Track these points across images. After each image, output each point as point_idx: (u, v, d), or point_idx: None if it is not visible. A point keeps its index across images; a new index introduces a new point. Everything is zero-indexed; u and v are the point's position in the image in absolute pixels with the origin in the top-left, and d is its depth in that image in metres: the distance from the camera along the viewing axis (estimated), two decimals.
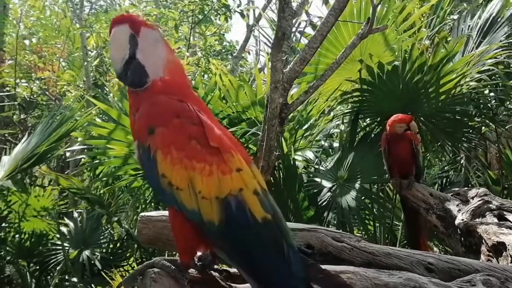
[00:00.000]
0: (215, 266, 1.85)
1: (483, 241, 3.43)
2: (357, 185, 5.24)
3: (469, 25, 6.02)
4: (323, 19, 4.85)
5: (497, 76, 5.80)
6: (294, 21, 5.39)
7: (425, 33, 6.05)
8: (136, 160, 1.81)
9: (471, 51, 5.64)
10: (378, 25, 5.10)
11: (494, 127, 6.16)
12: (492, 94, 6.17)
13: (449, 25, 6.74)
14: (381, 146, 4.49)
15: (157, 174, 1.69)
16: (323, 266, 2.02)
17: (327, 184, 5.36)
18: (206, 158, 1.69)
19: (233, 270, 1.84)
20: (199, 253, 1.85)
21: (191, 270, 1.76)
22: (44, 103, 9.36)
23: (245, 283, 1.76)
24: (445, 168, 6.81)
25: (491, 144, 6.45)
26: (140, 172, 5.60)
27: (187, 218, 1.67)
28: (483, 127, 6.17)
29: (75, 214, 6.78)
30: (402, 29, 5.87)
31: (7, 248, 6.69)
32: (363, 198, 5.31)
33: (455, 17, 6.75)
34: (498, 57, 5.41)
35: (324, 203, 5.22)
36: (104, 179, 6.43)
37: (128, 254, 6.84)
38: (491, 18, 5.77)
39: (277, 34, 4.51)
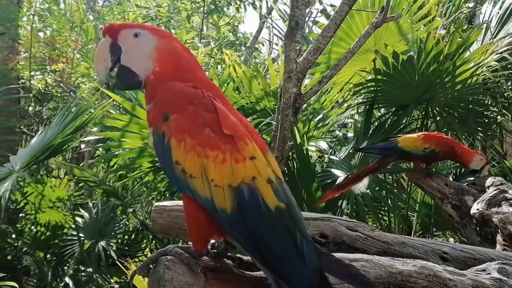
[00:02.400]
0: (228, 254, 1.85)
1: (499, 230, 3.40)
2: (372, 176, 5.20)
3: (490, 14, 5.93)
4: (336, 8, 4.83)
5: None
6: (307, 10, 5.35)
7: (440, 22, 5.99)
8: (151, 147, 1.82)
9: (489, 40, 5.57)
10: (392, 14, 5.05)
11: (510, 116, 6.09)
12: (509, 83, 6.10)
13: (465, 13, 6.66)
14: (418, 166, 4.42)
15: (171, 161, 1.69)
16: (337, 255, 2.01)
17: (340, 174, 5.34)
18: (219, 145, 1.68)
19: (246, 257, 1.84)
20: (212, 241, 1.85)
21: (205, 258, 1.76)
22: (59, 95, 9.43)
23: (258, 270, 1.76)
24: None
25: (507, 134, 6.38)
26: (154, 165, 5.63)
27: (200, 205, 1.67)
28: (499, 117, 6.11)
29: (90, 205, 6.83)
30: (416, 18, 5.81)
31: (24, 240, 6.77)
32: (377, 188, 5.29)
33: (471, 5, 6.67)
34: None
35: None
36: (121, 172, 6.48)
37: (143, 245, 6.88)
38: (511, 7, 5.68)
39: (291, 24, 4.50)
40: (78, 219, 6.75)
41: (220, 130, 1.70)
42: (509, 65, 5.73)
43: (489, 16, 5.90)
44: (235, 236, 1.68)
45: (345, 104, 6.12)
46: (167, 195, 5.93)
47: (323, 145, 6.03)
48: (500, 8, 5.80)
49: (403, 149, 4.27)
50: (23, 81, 9.05)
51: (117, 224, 6.85)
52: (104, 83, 1.92)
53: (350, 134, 6.24)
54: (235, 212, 1.63)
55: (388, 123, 5.60)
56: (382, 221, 5.69)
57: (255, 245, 1.64)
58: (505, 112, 6.00)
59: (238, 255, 1.88)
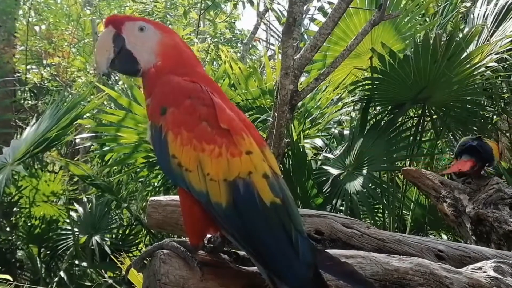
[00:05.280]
0: (225, 248, 1.85)
1: (494, 229, 3.42)
2: (366, 173, 5.21)
3: (484, 12, 5.92)
4: (334, 6, 4.82)
5: (509, 64, 5.73)
6: (305, 7, 5.34)
7: (438, 21, 6.00)
8: (149, 140, 1.82)
9: (486, 40, 5.56)
10: (389, 13, 5.04)
11: (506, 116, 6.11)
12: (504, 84, 6.10)
13: (462, 13, 6.66)
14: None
15: (167, 155, 1.69)
16: (333, 251, 2.01)
17: (336, 171, 5.34)
18: (215, 140, 1.68)
19: (243, 252, 1.83)
20: (208, 235, 1.85)
21: (201, 252, 1.76)
22: (55, 89, 9.40)
23: (254, 265, 1.75)
24: None
25: (503, 134, 6.39)
26: (148, 161, 5.62)
27: (196, 199, 1.66)
28: (494, 117, 6.13)
29: (85, 200, 6.82)
30: (414, 17, 5.81)
31: (18, 233, 6.76)
32: (372, 186, 5.29)
33: (468, 4, 6.67)
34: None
35: (333, 191, 5.21)
36: (115, 168, 6.47)
37: (137, 240, 6.88)
38: (506, 6, 5.67)
39: (288, 20, 4.49)
40: (72, 213, 6.73)
41: (216, 124, 1.70)
42: (506, 66, 5.73)
43: (484, 15, 5.88)
44: (230, 231, 1.67)
45: (341, 102, 6.12)
46: (162, 190, 5.93)
47: (319, 142, 6.03)
48: (495, 6, 5.79)
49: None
50: (19, 74, 9.02)
51: (111, 219, 6.84)
52: (104, 74, 1.91)
53: (346, 132, 6.25)
54: (230, 206, 1.63)
55: (384, 121, 5.59)
56: (376, 219, 5.70)
57: (249, 240, 1.64)
58: (501, 112, 6.00)
59: (234, 250, 1.88)
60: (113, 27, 1.84)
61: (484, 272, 2.13)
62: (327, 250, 1.87)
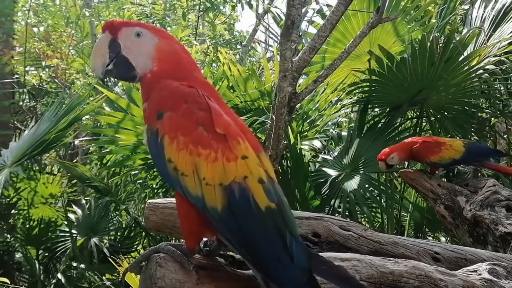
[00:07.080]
0: (220, 252, 1.85)
1: (491, 231, 3.42)
2: (364, 175, 5.22)
3: (482, 15, 5.92)
4: (332, 8, 4.83)
5: (507, 67, 5.74)
6: (303, 10, 5.35)
7: (435, 23, 6.01)
8: (145, 144, 1.83)
9: (483, 43, 5.57)
10: (387, 15, 5.05)
11: (504, 119, 6.11)
12: (502, 87, 6.11)
13: (460, 15, 6.68)
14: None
15: (163, 159, 1.70)
16: (329, 254, 2.01)
17: (334, 173, 5.35)
18: (211, 144, 1.68)
19: (238, 256, 1.84)
20: (205, 239, 1.85)
21: (197, 256, 1.76)
22: (53, 90, 9.39)
23: (250, 269, 1.76)
24: None
25: (500, 136, 6.40)
26: (146, 163, 5.62)
27: (192, 203, 1.67)
28: (492, 119, 6.13)
29: (83, 202, 6.82)
30: (412, 19, 5.83)
31: (16, 235, 6.76)
32: (370, 188, 5.29)
33: (466, 7, 6.68)
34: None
35: (330, 193, 5.21)
36: (113, 169, 6.47)
37: (136, 242, 6.88)
38: (504, 9, 5.68)
39: (286, 22, 4.49)
40: (70, 215, 6.73)
41: (213, 129, 1.71)
42: (504, 68, 5.74)
43: (482, 18, 5.89)
44: (225, 235, 1.68)
45: (339, 104, 6.13)
46: (160, 192, 5.93)
47: (317, 144, 6.03)
48: (493, 9, 5.79)
49: None
50: (17, 76, 9.02)
51: (109, 221, 6.84)
52: (100, 79, 1.93)
53: (344, 133, 6.25)
54: (225, 210, 1.63)
55: (382, 123, 5.60)
56: (374, 222, 5.70)
57: (244, 244, 1.64)
58: (498, 114, 6.01)
59: (230, 253, 1.88)
60: (109, 32, 1.85)
61: (479, 274, 2.14)
62: (322, 254, 1.88)
